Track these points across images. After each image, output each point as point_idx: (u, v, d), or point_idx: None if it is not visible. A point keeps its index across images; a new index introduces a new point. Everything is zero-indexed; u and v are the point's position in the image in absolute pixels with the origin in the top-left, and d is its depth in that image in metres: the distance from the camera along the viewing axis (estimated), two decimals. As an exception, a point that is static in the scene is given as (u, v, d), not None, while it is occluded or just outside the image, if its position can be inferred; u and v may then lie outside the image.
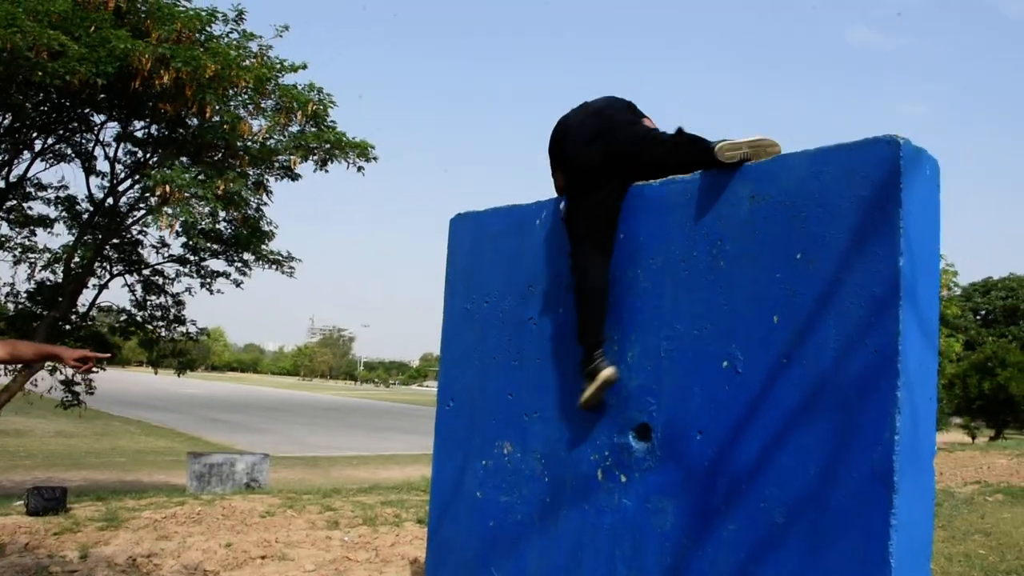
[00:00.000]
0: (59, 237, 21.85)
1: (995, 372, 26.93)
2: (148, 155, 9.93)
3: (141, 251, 10.99)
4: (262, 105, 9.29)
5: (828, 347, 2.30)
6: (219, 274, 11.15)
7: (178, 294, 11.38)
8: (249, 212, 10.17)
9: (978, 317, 42.40)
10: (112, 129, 9.97)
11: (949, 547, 6.53)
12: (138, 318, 11.19)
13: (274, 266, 11.11)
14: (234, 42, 8.95)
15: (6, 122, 9.25)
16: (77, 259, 9.69)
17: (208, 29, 8.83)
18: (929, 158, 2.36)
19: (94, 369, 6.25)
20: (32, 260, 10.41)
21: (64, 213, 10.47)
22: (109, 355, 3.03)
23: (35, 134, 9.72)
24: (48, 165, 10.28)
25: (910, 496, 2.17)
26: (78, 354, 2.86)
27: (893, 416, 2.14)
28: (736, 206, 2.59)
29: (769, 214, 2.50)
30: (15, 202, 10.23)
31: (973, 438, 27.53)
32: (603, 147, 2.89)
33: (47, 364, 8.98)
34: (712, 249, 2.63)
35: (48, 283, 10.34)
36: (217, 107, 8.68)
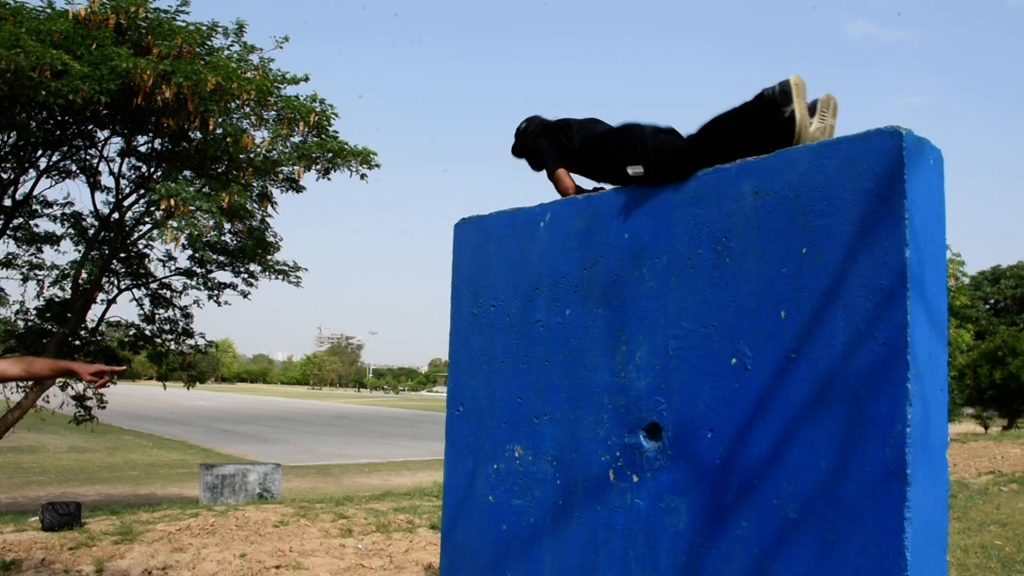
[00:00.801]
0: (66, 255, 21.99)
1: (1006, 361, 26.72)
2: (152, 169, 9.97)
3: (148, 265, 11.05)
4: (264, 117, 9.33)
5: (836, 341, 2.29)
6: (226, 286, 11.20)
7: (186, 307, 11.44)
8: (254, 224, 10.20)
9: (988, 306, 42.10)
10: (116, 144, 10.02)
11: (965, 539, 6.50)
12: (147, 332, 11.24)
13: (280, 276, 11.15)
14: (235, 55, 8.99)
15: (11, 141, 9.31)
16: (85, 275, 9.74)
17: (209, 43, 8.88)
18: (932, 148, 2.35)
19: (109, 383, 6.31)
20: (40, 277, 10.47)
21: (71, 229, 10.52)
22: (123, 367, 3.05)
23: (40, 152, 9.77)
24: (54, 182, 10.33)
25: (924, 488, 2.16)
26: (94, 369, 2.87)
27: (904, 408, 2.13)
28: (740, 202, 2.58)
29: (773, 209, 2.49)
30: (22, 220, 10.29)
31: (986, 428, 27.37)
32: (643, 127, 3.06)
33: (58, 380, 9.02)
34: (717, 246, 2.63)
35: (57, 299, 10.39)
36: (220, 120, 8.72)
